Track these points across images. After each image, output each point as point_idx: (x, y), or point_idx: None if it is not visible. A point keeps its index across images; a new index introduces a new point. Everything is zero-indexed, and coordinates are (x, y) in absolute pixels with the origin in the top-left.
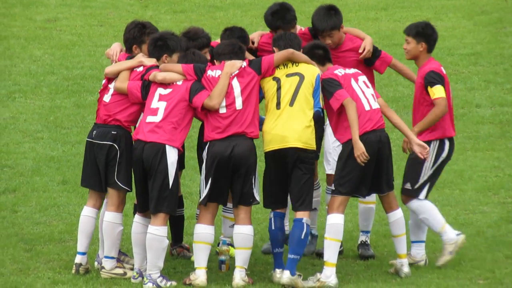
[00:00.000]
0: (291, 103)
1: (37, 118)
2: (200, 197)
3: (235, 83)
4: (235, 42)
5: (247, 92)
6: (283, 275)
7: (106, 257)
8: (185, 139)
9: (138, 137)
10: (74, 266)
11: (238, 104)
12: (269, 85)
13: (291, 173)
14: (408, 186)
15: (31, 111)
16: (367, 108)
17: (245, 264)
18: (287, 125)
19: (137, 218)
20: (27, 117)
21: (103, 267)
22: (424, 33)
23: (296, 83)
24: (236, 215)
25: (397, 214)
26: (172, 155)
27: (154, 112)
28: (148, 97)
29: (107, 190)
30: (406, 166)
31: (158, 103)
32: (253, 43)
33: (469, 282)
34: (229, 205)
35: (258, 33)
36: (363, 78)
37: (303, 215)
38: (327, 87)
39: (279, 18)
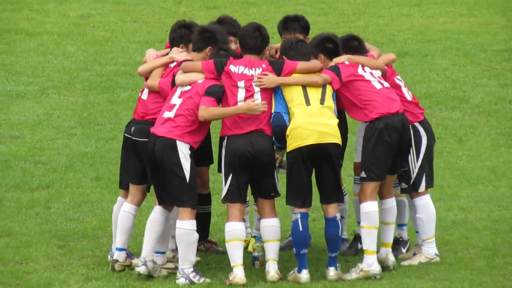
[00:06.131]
0: (322, 102)
1: (70, 114)
2: (222, 195)
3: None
4: (257, 33)
5: (267, 91)
6: (330, 272)
7: (157, 252)
8: (203, 136)
9: (152, 131)
10: (110, 262)
11: (257, 101)
12: None
13: (324, 169)
14: (403, 185)
15: (65, 107)
16: (378, 87)
17: (276, 256)
18: (324, 122)
19: (157, 208)
20: (61, 113)
21: (155, 262)
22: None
23: None
24: (261, 209)
25: (393, 201)
26: (184, 149)
27: (171, 107)
28: (170, 93)
29: (146, 183)
30: None
31: (177, 99)
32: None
33: (503, 279)
34: None
35: (274, 47)
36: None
37: (334, 212)
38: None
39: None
